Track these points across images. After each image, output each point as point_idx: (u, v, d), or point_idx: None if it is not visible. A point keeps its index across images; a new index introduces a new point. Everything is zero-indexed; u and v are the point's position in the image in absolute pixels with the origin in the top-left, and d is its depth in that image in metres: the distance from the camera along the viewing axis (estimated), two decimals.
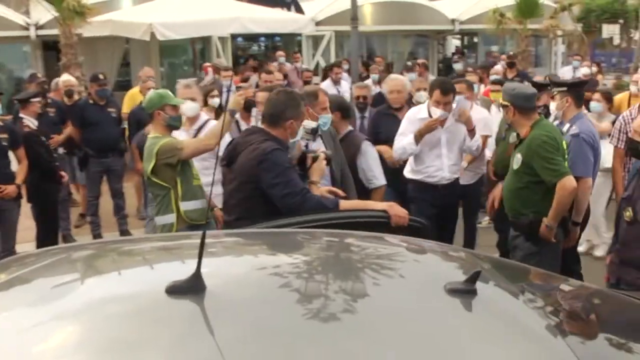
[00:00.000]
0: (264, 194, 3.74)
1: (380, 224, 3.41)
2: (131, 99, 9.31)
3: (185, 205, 4.83)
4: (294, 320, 1.54)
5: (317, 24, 16.42)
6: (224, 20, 13.12)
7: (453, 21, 18.89)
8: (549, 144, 4.65)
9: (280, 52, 14.58)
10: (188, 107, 5.57)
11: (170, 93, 5.28)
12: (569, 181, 4.61)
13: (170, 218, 4.85)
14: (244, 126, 6.10)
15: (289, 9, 16.98)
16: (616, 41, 31.91)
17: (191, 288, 1.57)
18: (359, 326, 1.52)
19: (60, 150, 8.31)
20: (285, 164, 3.78)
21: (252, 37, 18.58)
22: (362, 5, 18.22)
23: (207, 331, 1.44)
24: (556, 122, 5.41)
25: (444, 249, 2.29)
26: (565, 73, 14.34)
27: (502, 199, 5.21)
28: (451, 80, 6.52)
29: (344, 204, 3.82)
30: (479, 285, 1.65)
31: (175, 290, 1.58)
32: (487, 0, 19.19)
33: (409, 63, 12.44)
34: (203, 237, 1.64)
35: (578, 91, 5.55)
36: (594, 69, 13.37)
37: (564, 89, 5.50)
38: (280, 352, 1.41)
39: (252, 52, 19.89)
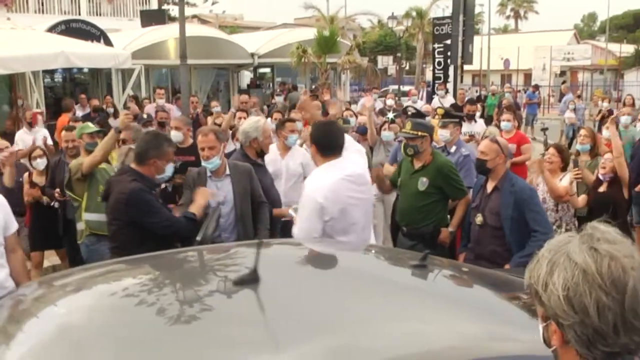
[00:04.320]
0: (128, 229, 4.14)
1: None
2: None
3: (88, 216, 5.47)
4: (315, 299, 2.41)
5: None
6: (50, 55, 12.93)
7: (252, 55, 20.33)
8: (454, 169, 5.67)
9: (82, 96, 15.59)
10: None
11: (89, 124, 6.31)
12: (469, 195, 5.58)
13: (80, 225, 5.58)
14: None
15: (98, 42, 16.96)
16: (390, 71, 35.98)
17: (251, 280, 2.33)
18: (376, 287, 2.62)
19: None
20: (149, 202, 4.17)
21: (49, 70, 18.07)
22: (167, 40, 18.90)
23: (260, 309, 2.25)
24: (438, 146, 6.62)
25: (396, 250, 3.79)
26: (366, 103, 16.29)
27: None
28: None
29: (194, 210, 4.38)
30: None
31: (240, 281, 2.35)
32: (282, 37, 21.20)
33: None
34: (259, 245, 2.50)
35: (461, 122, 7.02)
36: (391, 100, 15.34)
37: (457, 120, 6.90)
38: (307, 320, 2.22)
39: (47, 84, 19.25)
